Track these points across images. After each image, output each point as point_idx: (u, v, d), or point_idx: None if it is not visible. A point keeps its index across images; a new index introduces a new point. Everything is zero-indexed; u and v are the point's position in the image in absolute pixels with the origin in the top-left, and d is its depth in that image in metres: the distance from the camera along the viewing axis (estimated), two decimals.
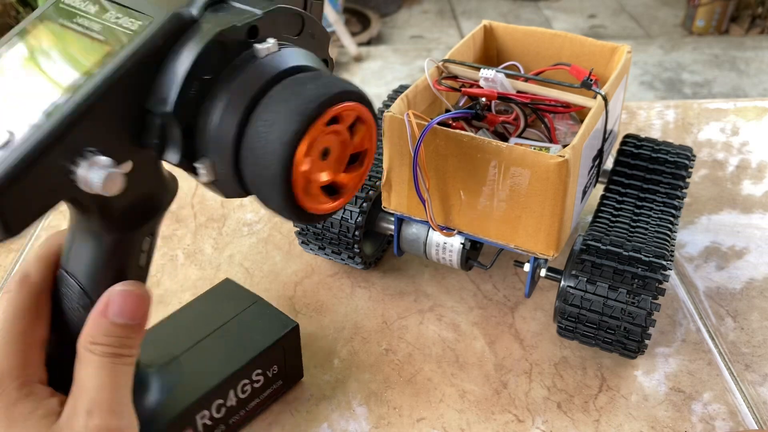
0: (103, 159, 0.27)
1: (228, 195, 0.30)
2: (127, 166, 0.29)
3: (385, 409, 0.45)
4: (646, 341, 0.45)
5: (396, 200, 0.49)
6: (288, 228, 0.61)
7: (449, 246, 0.49)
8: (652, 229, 0.49)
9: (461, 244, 0.49)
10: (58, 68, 0.28)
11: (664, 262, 0.45)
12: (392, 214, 0.50)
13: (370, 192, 0.51)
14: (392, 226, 0.52)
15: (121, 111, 0.28)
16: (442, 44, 2.80)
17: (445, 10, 3.13)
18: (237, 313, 0.45)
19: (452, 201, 0.46)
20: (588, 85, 0.47)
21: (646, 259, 0.45)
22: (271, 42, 0.29)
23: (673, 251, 0.47)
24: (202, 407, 0.40)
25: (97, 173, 0.27)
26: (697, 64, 2.68)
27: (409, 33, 2.95)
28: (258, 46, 0.29)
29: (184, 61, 0.27)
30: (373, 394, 0.46)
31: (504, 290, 0.54)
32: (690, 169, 0.54)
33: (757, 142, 0.74)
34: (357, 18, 3.02)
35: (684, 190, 0.53)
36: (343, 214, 0.50)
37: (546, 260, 0.47)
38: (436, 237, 0.49)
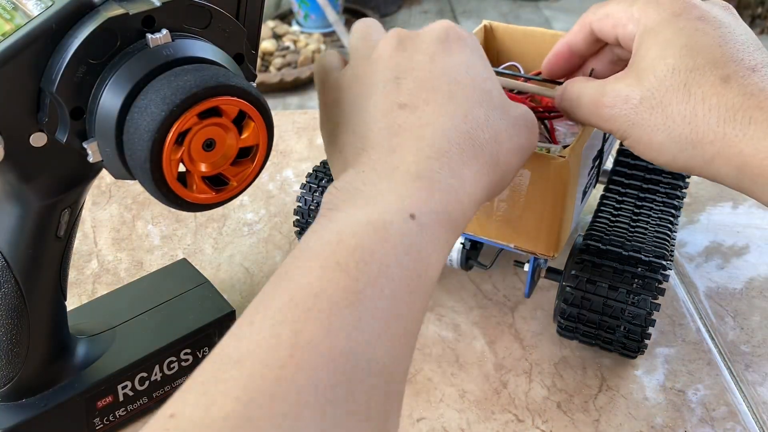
0: None
1: (116, 176, 0.32)
2: (41, 140, 0.31)
3: None
4: (646, 341, 0.45)
5: None
6: (288, 228, 0.61)
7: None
8: (652, 228, 0.49)
9: (461, 244, 0.49)
10: None
11: (664, 262, 0.45)
12: None
13: None
14: None
15: (14, 88, 0.29)
16: None
17: (445, 10, 3.13)
18: (180, 293, 0.46)
19: None
20: None
21: (646, 259, 0.45)
22: (163, 32, 0.30)
23: (673, 251, 0.48)
24: (125, 378, 0.42)
25: None
26: None
27: None
28: (149, 35, 0.30)
29: (73, 45, 0.29)
30: None
31: (504, 290, 0.54)
32: None
33: None
34: (357, 18, 3.02)
35: (684, 190, 0.53)
36: None
37: (546, 260, 0.48)
38: None
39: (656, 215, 0.51)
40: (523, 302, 0.53)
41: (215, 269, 0.56)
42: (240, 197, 0.64)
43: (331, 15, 2.70)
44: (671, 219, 0.51)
